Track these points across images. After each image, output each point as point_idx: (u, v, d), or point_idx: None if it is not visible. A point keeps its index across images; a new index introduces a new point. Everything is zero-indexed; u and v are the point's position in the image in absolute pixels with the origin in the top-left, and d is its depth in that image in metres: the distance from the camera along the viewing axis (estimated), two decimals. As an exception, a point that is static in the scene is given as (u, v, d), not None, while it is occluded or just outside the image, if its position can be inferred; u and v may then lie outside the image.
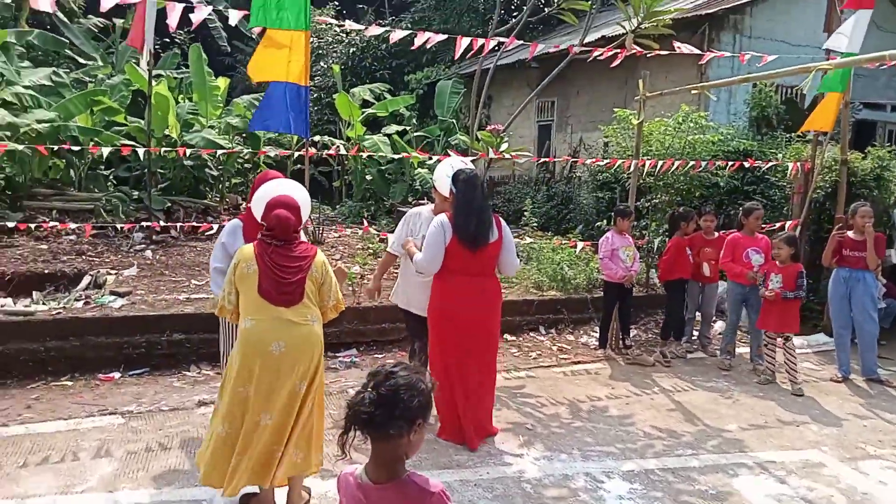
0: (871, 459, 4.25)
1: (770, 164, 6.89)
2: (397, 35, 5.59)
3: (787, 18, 11.21)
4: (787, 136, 8.55)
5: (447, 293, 4.24)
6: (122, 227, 7.27)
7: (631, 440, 4.47)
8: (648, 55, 6.73)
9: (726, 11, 10.53)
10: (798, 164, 7.08)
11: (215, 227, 4.00)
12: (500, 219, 4.45)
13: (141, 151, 5.93)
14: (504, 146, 6.32)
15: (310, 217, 7.28)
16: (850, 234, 5.72)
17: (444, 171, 4.53)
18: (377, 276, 4.89)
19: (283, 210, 3.37)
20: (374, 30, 5.73)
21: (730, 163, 7.17)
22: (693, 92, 6.71)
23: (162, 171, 11.15)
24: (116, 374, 5.37)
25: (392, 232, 8.93)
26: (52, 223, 6.57)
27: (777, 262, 5.60)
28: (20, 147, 5.85)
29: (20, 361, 5.26)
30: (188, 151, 6.31)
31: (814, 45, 10.92)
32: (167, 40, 17.94)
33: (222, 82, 12.80)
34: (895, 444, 4.49)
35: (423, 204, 12.00)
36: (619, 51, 6.25)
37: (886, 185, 7.16)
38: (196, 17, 5.68)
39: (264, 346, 3.19)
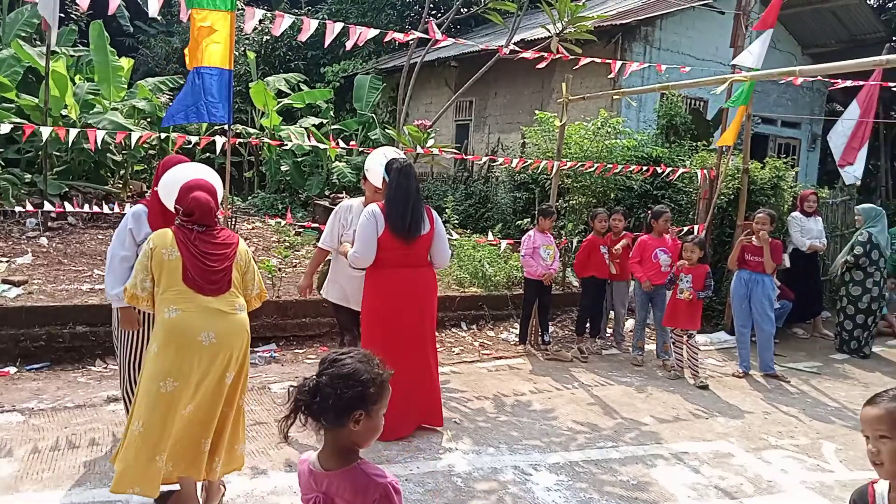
0: (773, 449, 4.56)
1: (681, 170, 7.25)
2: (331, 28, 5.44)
3: (692, 33, 11.87)
4: (694, 144, 9.04)
5: (382, 286, 4.18)
6: (19, 211, 6.68)
7: (555, 434, 4.58)
8: (564, 60, 6.91)
9: (639, 23, 11.01)
10: (705, 171, 7.49)
11: (128, 212, 3.71)
12: (432, 209, 4.43)
13: (45, 131, 5.44)
14: (430, 142, 6.31)
15: (222, 206, 7.01)
16: (753, 239, 6.11)
17: (376, 161, 4.46)
18: (309, 273, 4.75)
19: (201, 192, 3.23)
20: (309, 24, 5.54)
21: (644, 167, 7.48)
22: (615, 98, 6.96)
23: (58, 154, 10.39)
24: (12, 369, 4.96)
25: (310, 225, 8.79)
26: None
27: (686, 264, 5.91)
28: None
29: None
30: (100, 135, 5.89)
31: (715, 59, 11.65)
32: (62, 15, 16.75)
33: (126, 63, 12.11)
34: (793, 435, 4.83)
35: (340, 198, 11.88)
36: (545, 54, 6.38)
37: (782, 193, 7.71)
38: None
39: (192, 336, 3.04)
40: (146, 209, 3.64)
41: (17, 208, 6.14)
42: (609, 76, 8.26)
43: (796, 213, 7.48)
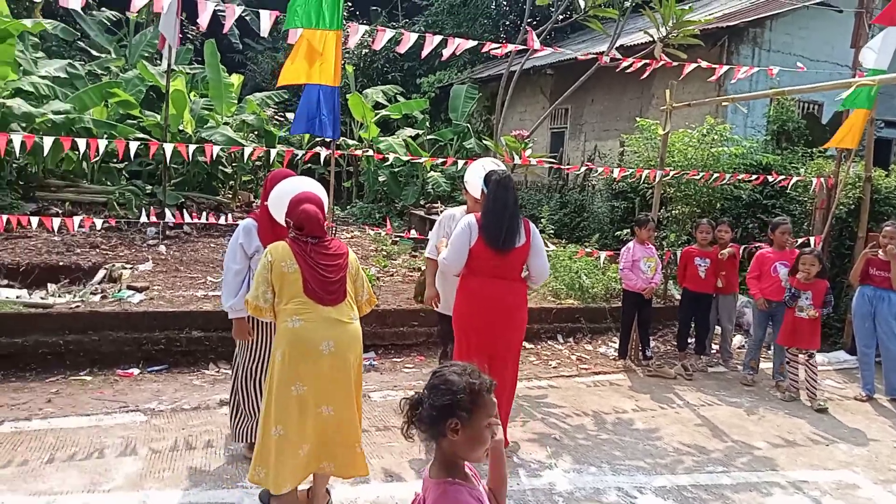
0: (904, 482, 4.20)
1: (794, 179, 6.84)
2: (417, 39, 5.52)
3: (805, 34, 11.19)
4: (808, 151, 8.52)
5: (471, 295, 4.16)
6: (140, 222, 7.18)
7: (660, 455, 4.41)
8: (665, 66, 6.68)
9: (747, 24, 10.50)
10: (821, 179, 7.04)
11: (239, 226, 3.87)
12: (530, 222, 4.38)
13: (168, 147, 5.83)
14: (528, 152, 6.26)
15: (329, 216, 7.26)
16: (880, 253, 5.67)
17: (475, 173, 4.45)
18: (430, 284, 4.74)
19: (310, 205, 3.34)
20: (407, 39, 5.65)
21: (753, 176, 7.11)
22: (724, 104, 6.66)
23: (176, 166, 11.11)
24: (135, 371, 5.31)
25: (408, 235, 8.94)
26: (77, 217, 6.45)
27: (802, 279, 5.56)
28: (48, 139, 5.77)
29: (39, 354, 5.20)
30: (216, 149, 6.25)
31: (831, 60, 10.93)
32: (179, 35, 17.92)
33: (236, 79, 12.80)
34: (926, 467, 4.43)
35: (436, 207, 12.02)
36: (648, 61, 6.20)
37: (909, 203, 7.12)
38: (228, 18, 5.63)
39: (314, 345, 3.17)
40: (256, 223, 3.79)
41: (144, 219, 6.54)
42: (710, 79, 7.94)
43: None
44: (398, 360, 6.19)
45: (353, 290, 3.41)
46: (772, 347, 6.21)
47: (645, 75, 6.15)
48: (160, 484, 3.58)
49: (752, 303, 6.17)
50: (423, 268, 7.35)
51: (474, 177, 4.45)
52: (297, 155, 7.19)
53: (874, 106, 6.46)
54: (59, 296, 6.54)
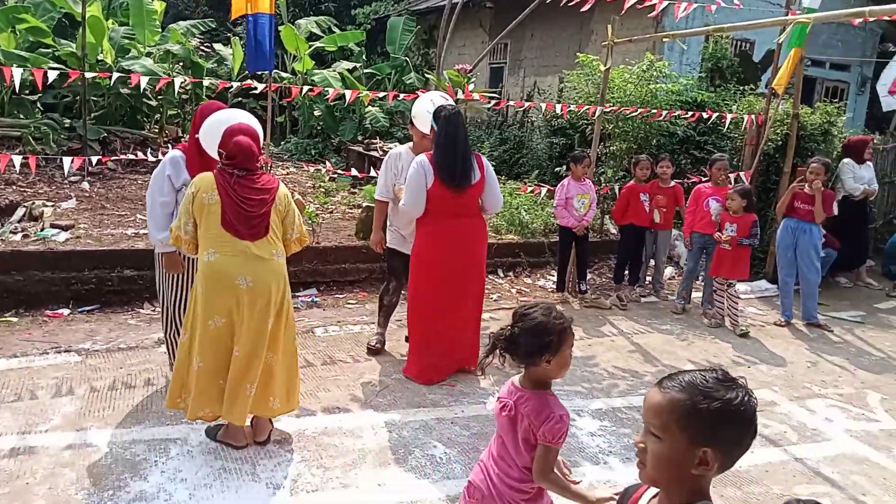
0: (817, 398, 4.53)
1: (730, 116, 7.01)
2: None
3: (740, -29, 11.29)
4: (740, 88, 8.73)
5: (431, 235, 4.17)
6: (60, 157, 6.78)
7: (596, 380, 4.61)
8: (606, 1, 6.63)
9: (684, -40, 10.50)
10: (752, 116, 7.25)
11: (165, 158, 3.73)
12: (482, 157, 4.37)
13: (90, 76, 5.45)
14: (471, 87, 6.18)
15: (265, 151, 7.02)
16: (806, 187, 5.94)
17: (424, 107, 4.37)
18: (377, 227, 4.68)
19: (244, 137, 3.24)
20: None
21: (689, 113, 7.25)
22: (663, 40, 6.69)
23: (96, 98, 10.44)
24: (65, 311, 5.12)
25: (349, 173, 8.76)
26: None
27: (730, 212, 5.79)
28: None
29: (-42, 296, 4.93)
30: (143, 80, 5.88)
31: (764, -1, 11.12)
32: (93, -44, 16.56)
33: (159, 6, 11.97)
34: (837, 384, 4.79)
35: (374, 143, 11.80)
36: (588, -6, 6.12)
37: (832, 140, 7.44)
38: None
39: (230, 280, 3.12)
40: (184, 155, 3.67)
41: (67, 161, 6.15)
42: (650, 15, 7.96)
43: (848, 160, 7.23)
44: (340, 296, 6.18)
45: (282, 228, 3.34)
46: (701, 278, 6.50)
47: (585, 8, 6.09)
48: (101, 423, 3.51)
49: (692, 236, 6.35)
50: (363, 204, 7.26)
51: (423, 111, 4.37)
52: (230, 87, 6.86)
53: (804, 45, 6.64)
54: (-24, 235, 6.16)
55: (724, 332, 5.80)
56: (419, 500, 3.07)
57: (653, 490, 1.47)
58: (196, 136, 3.62)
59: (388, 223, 4.72)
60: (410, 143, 4.63)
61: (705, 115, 7.21)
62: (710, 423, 1.29)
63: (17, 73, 5.28)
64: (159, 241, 3.59)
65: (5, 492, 2.88)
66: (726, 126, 7.33)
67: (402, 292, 4.80)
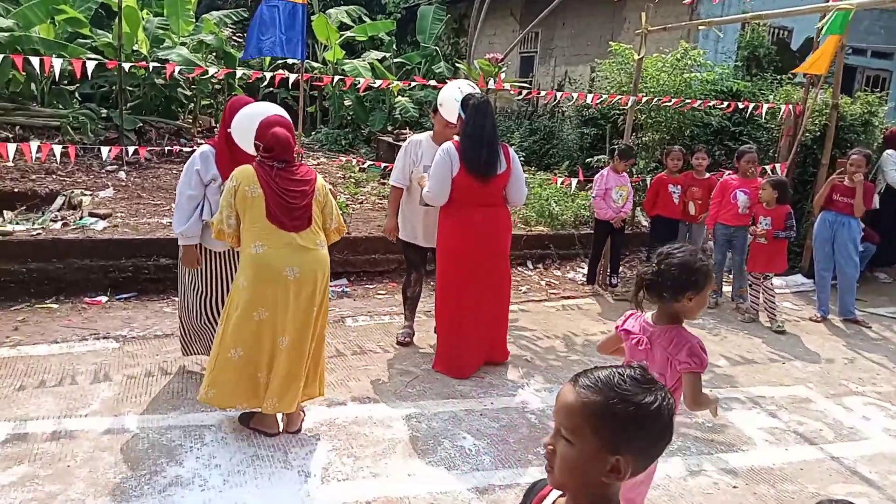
0: (854, 396, 4.44)
1: (765, 106, 6.86)
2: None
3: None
4: (777, 77, 8.53)
5: (457, 225, 4.17)
6: (97, 146, 6.92)
7: (627, 374, 4.56)
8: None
9: (721, -54, 10.27)
10: (789, 106, 7.09)
11: (196, 153, 3.78)
12: (509, 147, 4.34)
13: (127, 67, 5.55)
14: (502, 76, 6.14)
15: (297, 143, 7.08)
16: (846, 180, 5.79)
17: (451, 95, 4.33)
18: (392, 214, 4.69)
19: (280, 129, 3.28)
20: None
21: (725, 103, 7.11)
22: (700, 27, 6.57)
23: (131, 89, 10.62)
24: (103, 299, 5.23)
25: (379, 164, 8.78)
26: (33, 144, 6.17)
27: (764, 205, 5.68)
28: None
29: (1, 283, 5.07)
30: (177, 69, 5.98)
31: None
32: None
33: (192, -5, 12.09)
34: (875, 382, 4.69)
35: (404, 133, 11.82)
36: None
37: (872, 130, 7.24)
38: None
39: (278, 271, 3.17)
40: (213, 150, 3.70)
41: (105, 151, 6.27)
42: (685, 2, 7.82)
43: (891, 151, 7.02)
44: (370, 286, 6.21)
45: (321, 218, 3.39)
46: (731, 271, 6.39)
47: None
48: (138, 409, 3.60)
49: (716, 228, 6.24)
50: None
51: (450, 99, 4.34)
52: (263, 78, 6.92)
53: (845, 32, 6.46)
54: (17, 223, 6.32)
55: (757, 328, 5.70)
56: (448, 490, 3.09)
57: (554, 495, 1.35)
58: (227, 130, 3.64)
59: (402, 214, 4.71)
60: (431, 132, 4.60)
61: (741, 105, 7.06)
62: (624, 428, 1.19)
63: (56, 63, 5.39)
64: (181, 233, 3.64)
65: (48, 473, 2.97)
66: (763, 116, 7.17)
67: (426, 282, 4.81)
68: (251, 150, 3.46)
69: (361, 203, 8.16)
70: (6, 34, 9.03)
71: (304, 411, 3.58)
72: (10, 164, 8.14)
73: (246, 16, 14.21)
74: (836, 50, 6.33)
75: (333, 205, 3.49)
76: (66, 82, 10.53)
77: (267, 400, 3.26)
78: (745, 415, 4.08)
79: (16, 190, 7.17)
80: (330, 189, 3.65)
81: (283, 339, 3.21)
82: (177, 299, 5.40)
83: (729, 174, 6.36)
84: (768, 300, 5.77)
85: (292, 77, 6.38)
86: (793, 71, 6.61)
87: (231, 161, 3.58)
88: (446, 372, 4.31)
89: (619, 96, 6.66)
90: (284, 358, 3.22)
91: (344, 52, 13.52)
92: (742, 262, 6.07)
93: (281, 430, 3.41)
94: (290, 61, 12.62)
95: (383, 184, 9.29)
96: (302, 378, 3.29)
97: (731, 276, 6.38)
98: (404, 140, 10.65)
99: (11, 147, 5.58)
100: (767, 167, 6.91)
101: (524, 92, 6.82)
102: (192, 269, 3.74)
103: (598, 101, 6.73)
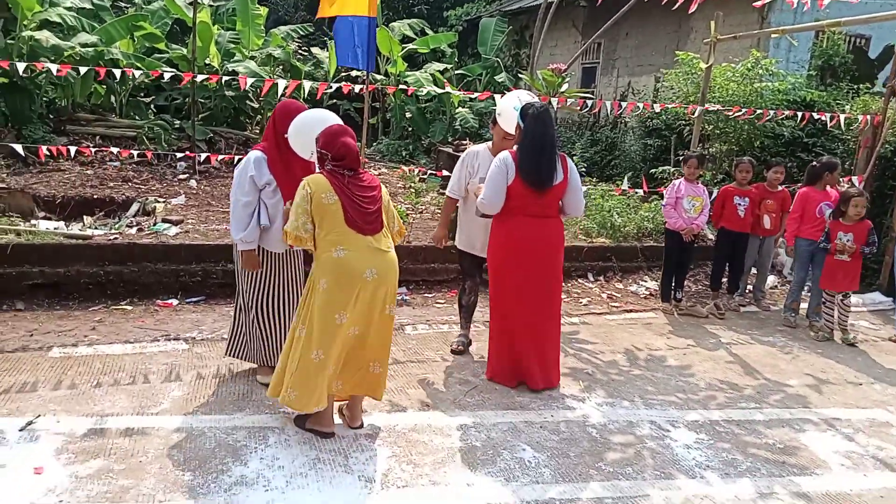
0: (940, 421, 4.19)
1: (842, 115, 6.58)
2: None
3: (856, -38, 10.60)
4: (853, 87, 8.19)
5: (509, 234, 4.12)
6: (172, 155, 7.21)
7: (692, 390, 4.44)
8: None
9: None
10: (868, 116, 6.79)
11: (248, 158, 3.83)
12: (567, 158, 4.27)
13: (201, 78, 5.77)
14: (564, 87, 6.10)
15: (361, 152, 7.21)
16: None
17: (510, 104, 4.29)
18: (443, 223, 4.72)
19: (349, 139, 3.38)
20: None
21: (799, 113, 6.86)
22: (774, 35, 6.38)
23: (203, 100, 11.05)
24: (174, 301, 5.42)
25: (441, 173, 8.85)
26: (112, 148, 6.47)
27: (843, 221, 5.44)
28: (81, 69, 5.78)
29: (81, 284, 5.32)
30: (249, 81, 6.20)
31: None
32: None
33: (264, 11, 12.52)
34: (962, 408, 4.41)
35: (464, 144, 11.85)
36: (691, -11, 5.92)
37: (958, 142, 6.86)
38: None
39: (359, 273, 3.29)
40: (265, 155, 3.71)
41: (178, 154, 6.53)
42: (755, 4, 7.59)
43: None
44: (430, 295, 6.24)
45: (386, 222, 3.50)
46: (807, 288, 6.14)
47: (693, 9, 5.85)
48: (206, 408, 3.70)
49: (798, 244, 5.99)
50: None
51: (509, 108, 4.31)
52: (330, 88, 7.07)
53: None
54: (96, 228, 6.65)
55: (832, 347, 5.46)
56: (507, 502, 3.06)
57: None
58: (281, 134, 3.65)
59: (459, 223, 4.71)
60: (489, 143, 4.59)
61: (816, 116, 6.80)
62: None
63: (136, 74, 5.66)
64: (240, 239, 3.69)
65: (122, 468, 3.08)
66: (841, 126, 6.88)
67: (482, 291, 4.80)
68: (307, 156, 3.54)
69: (421, 213, 8.23)
70: (90, 49, 9.53)
71: (363, 410, 3.67)
72: (90, 172, 8.59)
73: (311, 30, 14.62)
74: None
75: (394, 210, 3.62)
76: (142, 94, 11.05)
77: (342, 388, 3.44)
78: (819, 437, 3.89)
79: (95, 197, 7.54)
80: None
81: (354, 329, 3.34)
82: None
83: (800, 187, 6.13)
84: (843, 315, 5.52)
85: (357, 88, 6.48)
86: (893, 84, 6.22)
87: (283, 165, 3.66)
88: (500, 381, 4.28)
89: (686, 106, 6.50)
90: (363, 350, 3.40)
91: (406, 64, 13.71)
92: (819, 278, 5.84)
93: (334, 429, 3.50)
94: (353, 73, 12.88)
95: (442, 194, 9.33)
96: (374, 370, 3.47)
97: (807, 294, 6.12)
98: (464, 151, 10.65)
99: (92, 150, 5.85)
100: (843, 179, 6.63)
101: (589, 103, 6.73)
102: (253, 271, 3.82)
103: (665, 108, 6.58)
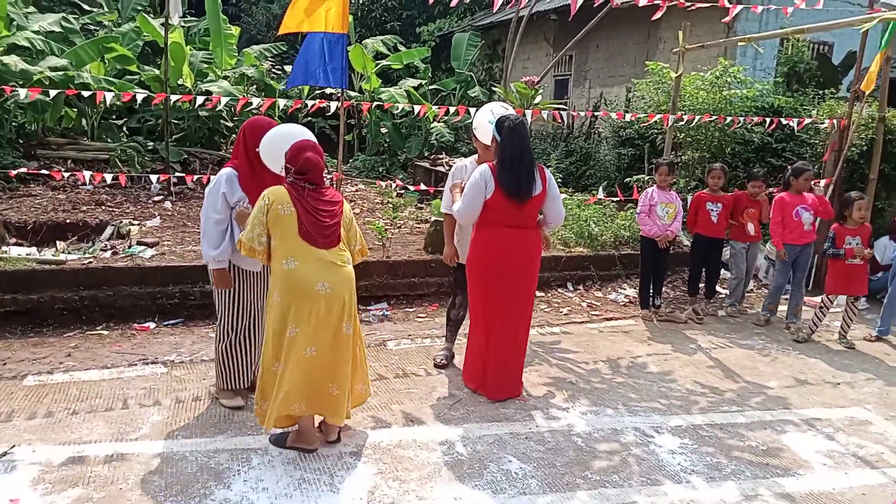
0: (916, 417, 4.26)
1: (807, 121, 6.73)
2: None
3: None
4: (819, 92, 8.38)
5: (487, 244, 4.13)
6: (145, 177, 7.14)
7: (674, 396, 4.47)
8: (678, 7, 6.48)
9: (756, -37, 10.21)
10: (834, 120, 6.94)
11: (219, 176, 3.82)
12: (545, 168, 4.30)
13: (174, 99, 5.74)
14: (537, 99, 6.16)
15: (335, 168, 7.20)
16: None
17: (485, 118, 4.32)
18: (449, 241, 4.64)
19: (313, 153, 3.40)
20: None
21: (767, 119, 7.00)
22: (741, 44, 6.50)
23: (176, 121, 10.96)
24: (151, 325, 5.34)
25: (419, 188, 8.85)
26: (86, 173, 6.40)
27: (847, 225, 5.57)
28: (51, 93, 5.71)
29: (55, 310, 5.23)
30: (223, 101, 6.18)
31: (846, -1, 10.65)
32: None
33: (236, 30, 12.49)
34: (937, 403, 4.49)
35: (440, 159, 11.90)
36: (659, 1, 6.02)
37: (923, 144, 7.05)
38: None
39: (310, 286, 3.27)
40: (237, 172, 3.70)
41: (154, 177, 6.48)
42: (724, 19, 7.75)
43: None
44: (410, 310, 6.22)
45: (347, 239, 3.51)
46: (789, 291, 6.22)
47: (657, 16, 5.97)
48: (186, 432, 3.64)
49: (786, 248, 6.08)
50: (432, 219, 7.31)
51: (483, 121, 4.34)
52: (305, 105, 7.07)
53: (890, 45, 6.33)
54: (70, 252, 6.54)
55: (810, 348, 5.54)
56: (496, 515, 3.04)
57: None
58: (252, 150, 3.65)
59: (455, 236, 4.71)
60: (475, 156, 4.62)
61: (784, 122, 6.94)
62: None
63: (108, 96, 5.61)
64: (212, 257, 3.66)
65: (101, 496, 3.01)
66: (800, 130, 7.02)
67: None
68: (279, 171, 3.53)
69: (400, 228, 8.22)
70: (60, 73, 9.42)
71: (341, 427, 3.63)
72: (63, 196, 8.45)
73: (284, 49, 14.60)
74: (880, 63, 6.21)
75: (356, 229, 3.63)
76: (114, 117, 10.93)
77: (303, 408, 3.36)
78: (801, 437, 3.94)
79: (68, 221, 7.41)
80: (366, 211, 3.72)
81: (311, 349, 3.28)
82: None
83: (775, 191, 6.23)
84: (849, 319, 5.70)
85: (333, 106, 6.49)
86: (861, 89, 6.33)
87: (255, 181, 3.63)
88: (473, 387, 4.30)
89: (658, 115, 6.60)
90: (318, 369, 3.31)
91: (380, 80, 13.75)
92: (803, 279, 5.97)
93: (318, 444, 3.49)
94: (328, 91, 12.87)
95: (420, 208, 9.36)
96: (333, 392, 3.37)
97: (785, 297, 6.20)
98: (440, 165, 10.66)
99: (65, 175, 5.77)
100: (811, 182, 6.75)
101: (565, 114, 6.78)
102: (226, 290, 3.78)
103: (637, 118, 6.67)
